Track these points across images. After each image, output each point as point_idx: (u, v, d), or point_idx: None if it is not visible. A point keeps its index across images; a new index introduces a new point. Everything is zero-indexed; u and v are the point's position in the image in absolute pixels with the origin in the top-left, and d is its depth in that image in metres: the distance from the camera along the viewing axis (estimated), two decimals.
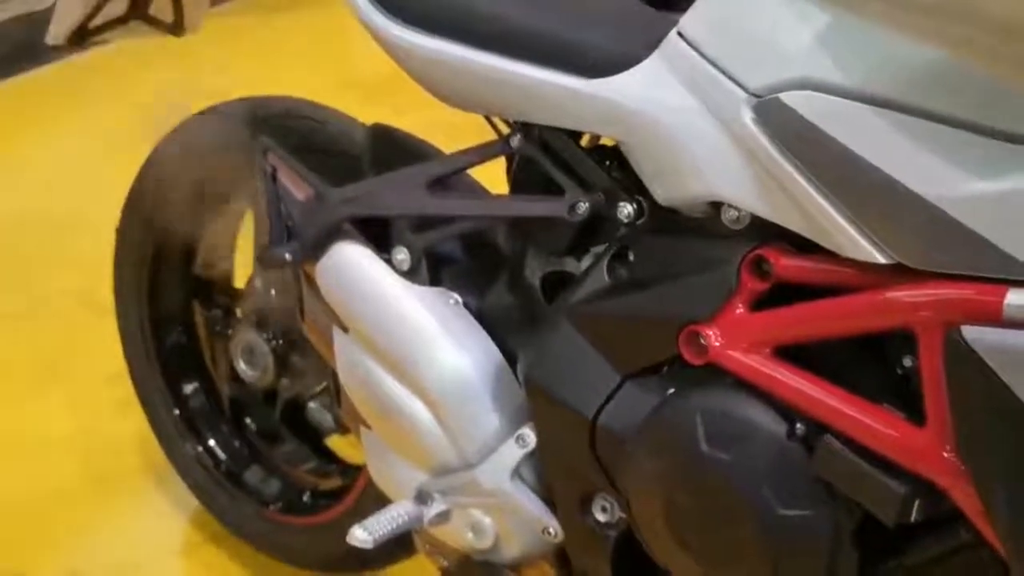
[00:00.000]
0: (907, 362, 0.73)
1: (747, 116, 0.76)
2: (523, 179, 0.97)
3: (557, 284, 0.98)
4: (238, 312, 1.32)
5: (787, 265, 0.78)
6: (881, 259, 0.70)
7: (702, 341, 0.81)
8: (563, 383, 0.90)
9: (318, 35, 2.60)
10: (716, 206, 0.82)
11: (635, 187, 0.88)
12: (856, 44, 0.71)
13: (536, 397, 0.92)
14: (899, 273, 0.70)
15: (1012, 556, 0.65)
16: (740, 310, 0.80)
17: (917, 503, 0.70)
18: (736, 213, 0.80)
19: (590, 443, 0.88)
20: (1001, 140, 0.65)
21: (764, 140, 0.75)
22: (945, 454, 0.68)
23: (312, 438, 1.32)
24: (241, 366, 1.29)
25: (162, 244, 1.33)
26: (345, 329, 1.02)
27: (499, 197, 0.98)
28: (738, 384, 0.79)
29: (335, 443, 1.33)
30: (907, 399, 0.72)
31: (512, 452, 0.94)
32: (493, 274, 1.00)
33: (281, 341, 1.25)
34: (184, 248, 1.34)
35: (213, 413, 1.36)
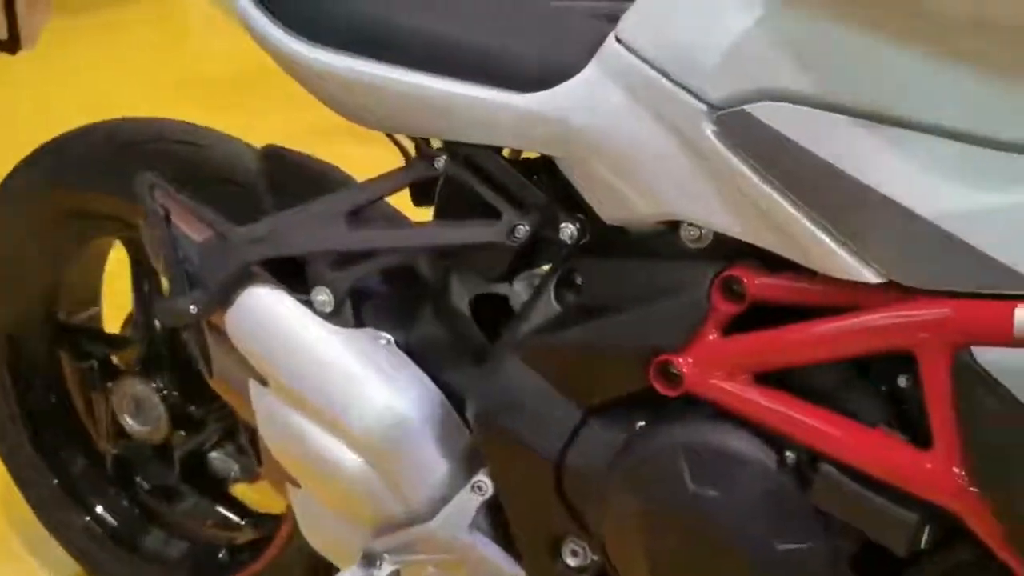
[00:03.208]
0: (902, 382, 0.70)
1: (709, 130, 0.71)
2: (450, 203, 0.89)
3: (497, 316, 0.91)
4: (117, 361, 1.19)
5: (763, 285, 0.73)
6: (872, 278, 0.67)
7: (675, 371, 0.76)
8: (520, 423, 0.83)
9: (153, 34, 2.40)
10: (671, 224, 0.77)
11: (575, 205, 0.82)
12: (828, 51, 0.67)
13: (491, 440, 0.85)
14: (891, 291, 0.66)
15: None
16: (713, 336, 0.75)
17: (927, 529, 0.68)
18: (697, 231, 0.76)
19: (556, 485, 0.82)
20: (992, 148, 0.63)
21: (730, 155, 0.71)
22: (954, 477, 0.66)
23: (215, 490, 1.21)
24: (128, 421, 1.16)
25: (17, 288, 1.18)
26: (264, 382, 0.92)
27: (428, 225, 0.89)
28: (720, 414, 0.75)
29: (242, 493, 1.22)
30: (903, 421, 0.70)
31: (469, 501, 0.87)
32: (426, 309, 0.92)
33: (174, 391, 1.13)
34: (44, 292, 1.19)
35: (97, 476, 1.22)
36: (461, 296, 0.93)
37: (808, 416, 0.72)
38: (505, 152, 0.87)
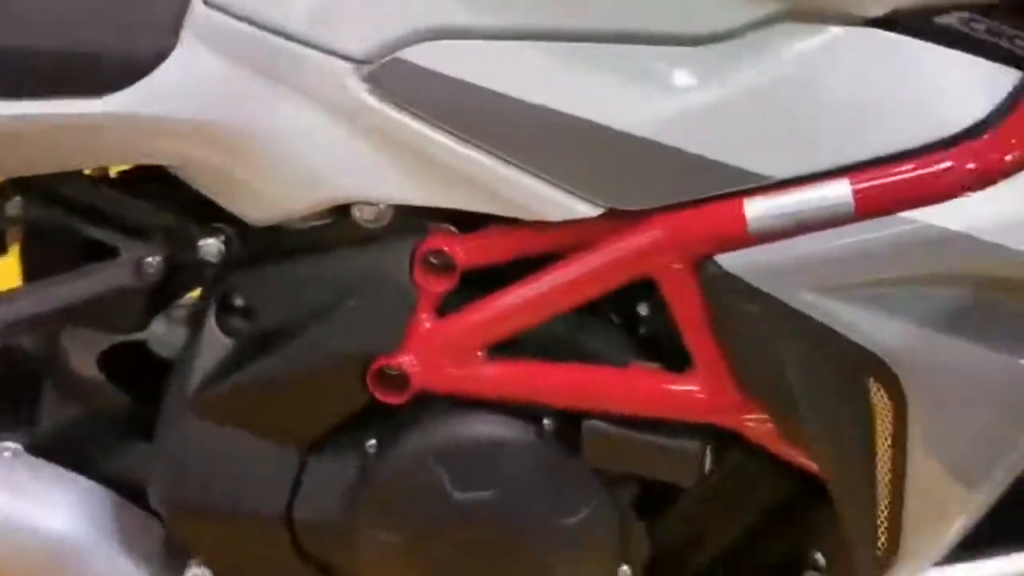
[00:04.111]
0: (643, 311, 0.65)
1: (361, 89, 0.60)
2: (42, 254, 0.69)
3: (133, 368, 0.73)
4: None
5: (470, 249, 0.64)
6: (588, 211, 0.60)
7: (397, 373, 0.65)
8: (225, 492, 0.68)
9: None
10: (339, 208, 0.65)
11: (211, 213, 0.67)
12: None
13: (192, 523, 0.69)
14: (613, 220, 0.60)
15: (830, 464, 0.62)
16: (429, 322, 0.65)
17: (708, 452, 0.64)
18: (373, 210, 0.64)
19: (292, 543, 0.69)
20: (685, 45, 0.58)
21: (392, 111, 0.60)
22: (722, 393, 0.62)
23: None
24: None
25: None
26: None
27: (22, 291, 0.69)
28: (461, 404, 0.65)
29: None
30: (652, 350, 0.65)
31: None
32: (48, 394, 0.72)
33: None
34: None
35: None
36: (85, 362, 0.74)
37: (555, 376, 0.65)
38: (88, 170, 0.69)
